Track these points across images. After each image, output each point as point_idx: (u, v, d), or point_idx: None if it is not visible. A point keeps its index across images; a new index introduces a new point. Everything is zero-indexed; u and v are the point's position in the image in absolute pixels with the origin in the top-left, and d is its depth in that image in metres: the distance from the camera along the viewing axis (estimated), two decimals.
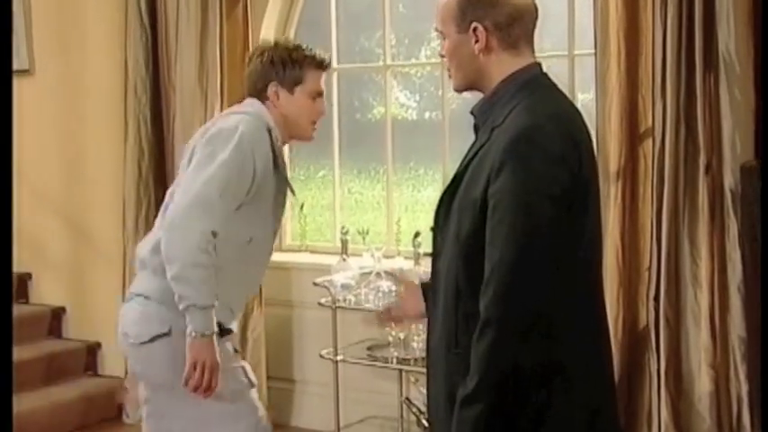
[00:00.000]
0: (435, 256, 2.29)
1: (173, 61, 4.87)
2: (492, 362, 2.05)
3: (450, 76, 2.31)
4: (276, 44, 3.14)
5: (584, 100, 4.43)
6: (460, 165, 2.24)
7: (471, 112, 2.30)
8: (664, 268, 3.76)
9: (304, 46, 3.09)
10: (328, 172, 5.31)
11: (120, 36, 5.09)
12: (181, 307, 2.81)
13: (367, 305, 4.35)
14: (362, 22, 6.03)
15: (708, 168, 3.70)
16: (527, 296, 2.05)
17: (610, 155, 3.87)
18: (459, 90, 2.33)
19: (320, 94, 3.11)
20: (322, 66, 3.09)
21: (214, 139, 2.93)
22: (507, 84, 2.21)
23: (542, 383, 2.10)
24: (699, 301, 3.74)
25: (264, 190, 2.98)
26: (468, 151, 2.25)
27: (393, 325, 2.60)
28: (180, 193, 2.90)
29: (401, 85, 6.28)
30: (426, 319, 2.38)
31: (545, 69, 2.28)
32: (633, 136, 3.89)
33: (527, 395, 2.08)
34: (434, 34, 2.37)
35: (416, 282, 2.62)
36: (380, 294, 4.30)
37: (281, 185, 3.08)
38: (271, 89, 3.06)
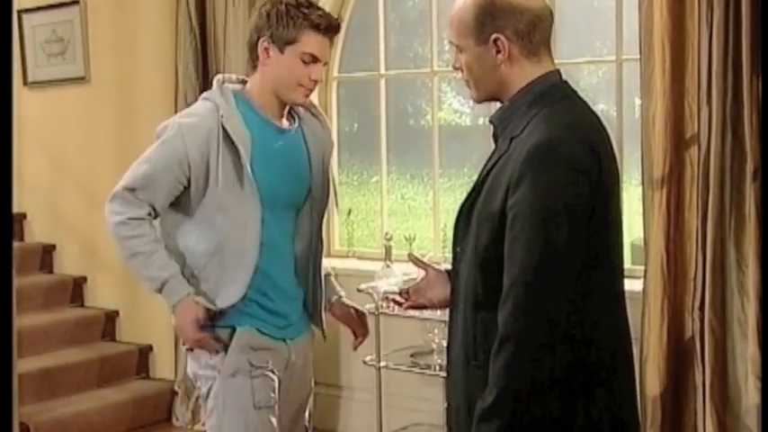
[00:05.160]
0: (455, 267, 2.27)
1: (221, 68, 4.91)
2: (510, 376, 2.03)
3: (469, 88, 2.27)
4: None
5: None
6: (479, 175, 2.22)
7: (490, 121, 2.28)
8: (709, 277, 3.68)
9: (307, 5, 2.85)
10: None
11: (170, 43, 5.16)
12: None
13: (410, 312, 4.31)
14: (417, 27, 6.01)
15: (756, 175, 3.62)
16: (546, 311, 2.02)
17: (654, 161, 3.80)
18: (479, 101, 2.30)
19: (315, 59, 2.84)
20: (318, 28, 2.82)
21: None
22: (526, 92, 2.18)
23: (561, 398, 2.07)
24: (745, 311, 3.66)
25: (225, 175, 2.83)
26: (488, 161, 2.23)
27: (404, 309, 2.56)
28: None
29: (454, 91, 6.24)
30: (449, 309, 2.35)
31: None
32: (678, 142, 3.81)
33: (546, 409, 2.05)
34: None
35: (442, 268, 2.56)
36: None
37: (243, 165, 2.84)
38: (261, 45, 2.85)
